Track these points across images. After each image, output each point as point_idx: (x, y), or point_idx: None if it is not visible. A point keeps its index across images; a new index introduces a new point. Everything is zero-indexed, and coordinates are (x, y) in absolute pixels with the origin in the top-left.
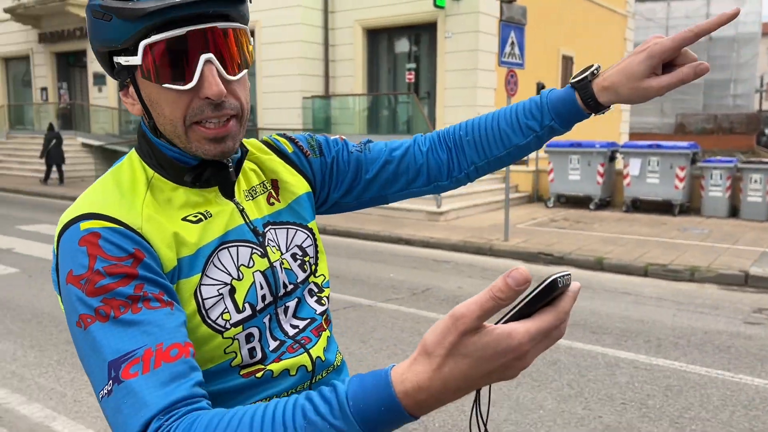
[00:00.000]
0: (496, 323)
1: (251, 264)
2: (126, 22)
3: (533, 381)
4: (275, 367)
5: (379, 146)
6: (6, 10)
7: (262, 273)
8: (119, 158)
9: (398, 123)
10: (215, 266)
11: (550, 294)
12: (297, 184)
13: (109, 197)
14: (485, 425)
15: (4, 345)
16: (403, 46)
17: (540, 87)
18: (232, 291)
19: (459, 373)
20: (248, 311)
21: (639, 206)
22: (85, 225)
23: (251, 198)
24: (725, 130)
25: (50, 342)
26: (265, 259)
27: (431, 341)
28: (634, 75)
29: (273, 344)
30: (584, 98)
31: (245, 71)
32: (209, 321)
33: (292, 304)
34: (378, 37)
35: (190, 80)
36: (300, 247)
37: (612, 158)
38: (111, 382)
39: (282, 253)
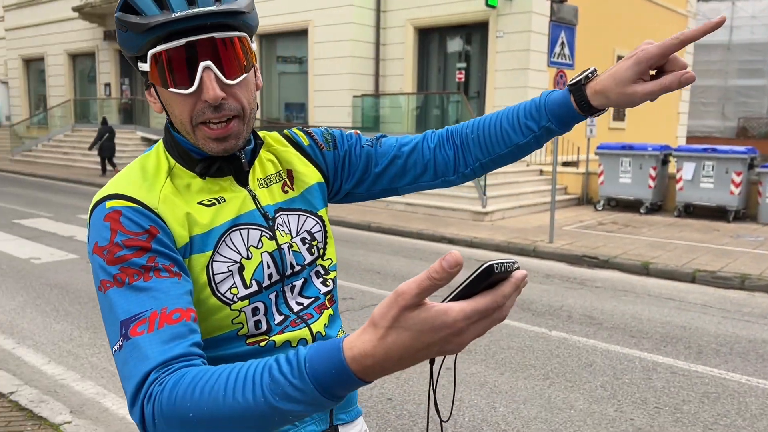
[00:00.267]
0: (442, 302)
1: (260, 245)
2: (137, 35)
3: (566, 381)
4: (278, 338)
5: (389, 141)
6: (74, 9)
7: (270, 254)
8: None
9: (447, 122)
10: (227, 245)
11: (488, 278)
12: (310, 174)
13: (134, 181)
14: (436, 405)
15: (62, 326)
16: (453, 45)
17: None
18: (241, 268)
19: (401, 344)
20: (254, 287)
21: (692, 212)
22: (110, 204)
23: (265, 186)
24: None
25: (103, 324)
26: (273, 241)
27: (377, 314)
28: (622, 80)
29: (278, 318)
30: (578, 101)
31: (245, 75)
32: (218, 294)
33: (298, 283)
34: (429, 37)
35: (192, 85)
36: (309, 232)
37: (665, 162)
38: (122, 338)
39: (292, 237)
